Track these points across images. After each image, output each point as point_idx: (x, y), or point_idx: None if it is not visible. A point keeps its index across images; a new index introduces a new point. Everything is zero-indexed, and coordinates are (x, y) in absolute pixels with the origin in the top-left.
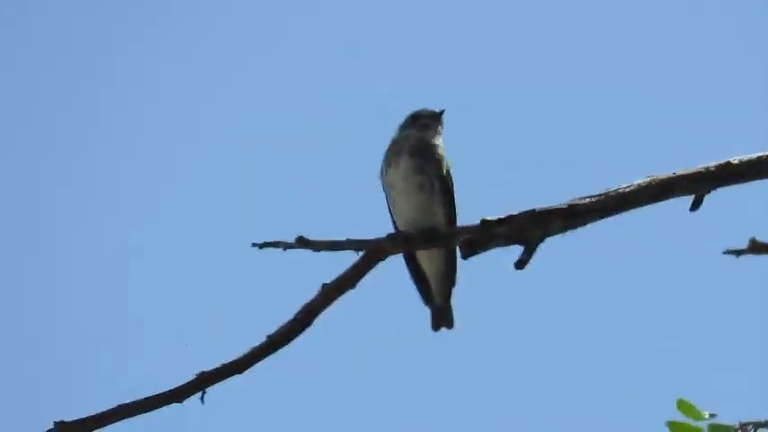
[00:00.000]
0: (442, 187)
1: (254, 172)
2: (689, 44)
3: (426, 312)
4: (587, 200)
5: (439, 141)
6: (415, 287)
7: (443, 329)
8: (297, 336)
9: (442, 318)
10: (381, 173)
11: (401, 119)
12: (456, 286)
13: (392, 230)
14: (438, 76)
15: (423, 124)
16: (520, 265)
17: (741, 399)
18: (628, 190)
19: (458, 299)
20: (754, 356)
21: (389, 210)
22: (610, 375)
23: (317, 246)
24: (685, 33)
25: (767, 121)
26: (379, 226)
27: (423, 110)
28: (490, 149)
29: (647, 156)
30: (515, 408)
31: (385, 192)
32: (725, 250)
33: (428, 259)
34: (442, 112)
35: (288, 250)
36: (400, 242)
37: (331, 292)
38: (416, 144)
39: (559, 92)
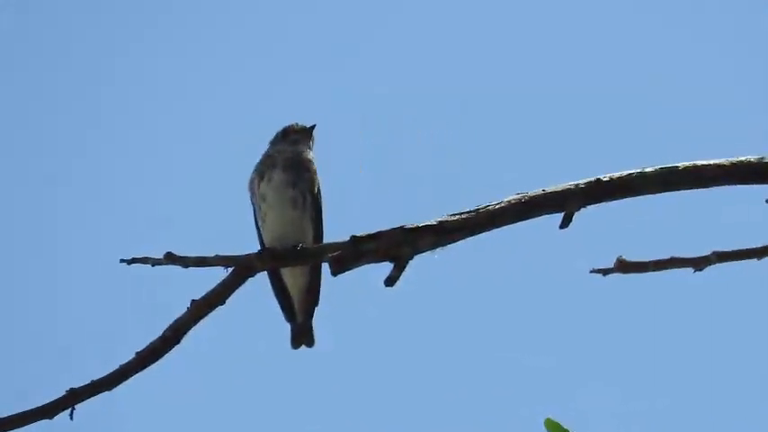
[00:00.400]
0: (313, 203)
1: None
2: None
3: (288, 329)
4: (457, 217)
5: (311, 156)
6: (278, 304)
7: (303, 347)
8: (165, 353)
9: (302, 335)
10: (251, 185)
11: (273, 134)
12: (319, 304)
13: (259, 246)
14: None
15: (294, 139)
16: (389, 282)
17: (607, 416)
18: (497, 207)
19: (323, 316)
20: (620, 375)
21: (257, 224)
22: (479, 394)
23: (185, 262)
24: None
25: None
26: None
27: (294, 124)
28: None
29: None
30: (376, 429)
31: (254, 205)
32: (592, 269)
33: (292, 276)
34: (312, 128)
35: (157, 266)
36: (268, 258)
37: (200, 309)
38: (291, 158)
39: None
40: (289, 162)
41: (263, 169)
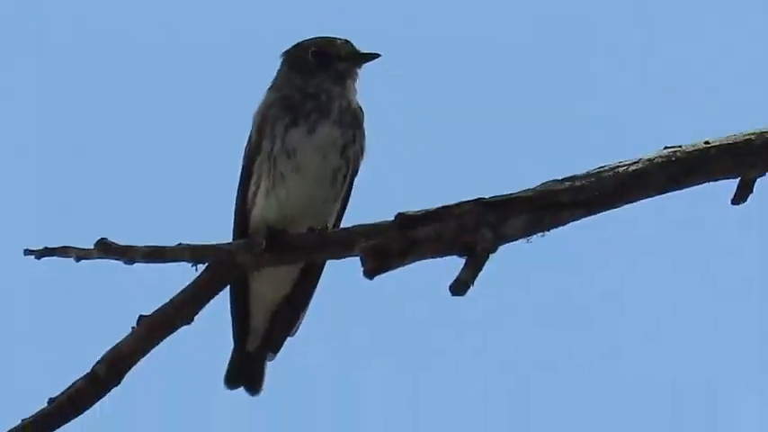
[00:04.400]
0: (350, 182)
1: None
2: None
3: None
4: (566, 185)
5: (360, 104)
6: (232, 319)
7: (241, 390)
8: (96, 399)
9: (246, 372)
10: (267, 122)
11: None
12: (294, 335)
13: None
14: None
15: (339, 71)
16: (458, 287)
17: None
18: (632, 169)
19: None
20: None
21: (242, 189)
22: None
23: (129, 254)
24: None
25: None
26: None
27: (339, 42)
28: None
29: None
30: None
31: (256, 155)
32: None
33: (269, 281)
34: (371, 57)
35: (84, 261)
36: (269, 251)
37: (152, 331)
38: (347, 109)
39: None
40: (346, 115)
41: (299, 109)
